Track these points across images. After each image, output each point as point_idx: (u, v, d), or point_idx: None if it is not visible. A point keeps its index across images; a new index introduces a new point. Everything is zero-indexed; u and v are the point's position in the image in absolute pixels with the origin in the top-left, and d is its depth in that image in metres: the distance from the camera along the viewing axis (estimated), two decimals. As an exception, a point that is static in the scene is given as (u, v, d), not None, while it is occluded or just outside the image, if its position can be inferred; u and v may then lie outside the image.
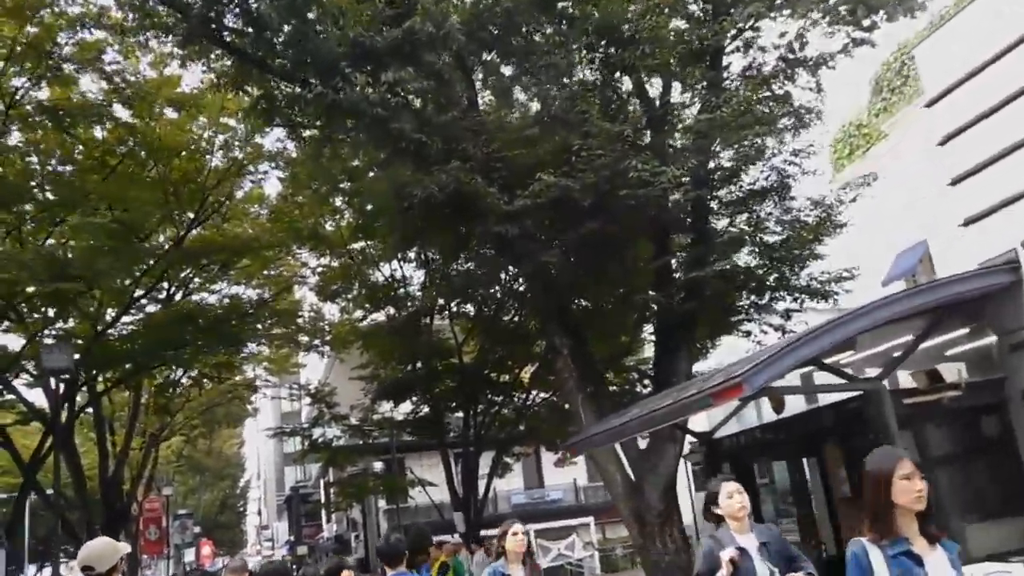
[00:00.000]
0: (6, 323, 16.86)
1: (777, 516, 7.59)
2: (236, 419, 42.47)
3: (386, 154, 10.82)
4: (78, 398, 20.47)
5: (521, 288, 14.85)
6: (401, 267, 20.59)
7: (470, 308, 20.11)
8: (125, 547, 4.25)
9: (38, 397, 20.57)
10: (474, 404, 19.96)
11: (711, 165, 10.71)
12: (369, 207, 18.66)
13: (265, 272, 20.26)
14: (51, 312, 16.76)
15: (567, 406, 12.41)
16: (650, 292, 11.27)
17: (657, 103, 11.24)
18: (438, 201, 10.02)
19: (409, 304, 19.74)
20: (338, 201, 20.02)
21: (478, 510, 19.82)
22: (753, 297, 11.61)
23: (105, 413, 24.89)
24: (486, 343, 19.21)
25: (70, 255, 15.73)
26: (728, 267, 10.35)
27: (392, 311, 20.36)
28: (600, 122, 9.97)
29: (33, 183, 15.44)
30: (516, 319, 18.95)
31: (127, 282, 17.26)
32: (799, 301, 11.72)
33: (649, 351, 18.55)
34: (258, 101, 12.10)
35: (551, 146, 10.70)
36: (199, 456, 48.37)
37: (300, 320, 22.09)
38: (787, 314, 11.80)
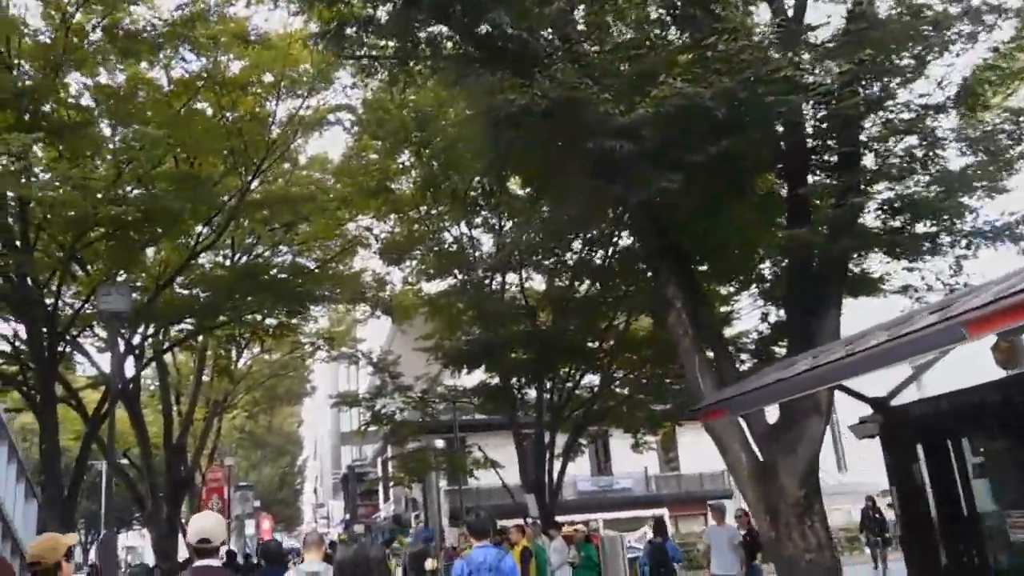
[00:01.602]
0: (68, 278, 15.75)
1: (1003, 508, 5.71)
2: (295, 396, 42.50)
3: (480, 56, 9.08)
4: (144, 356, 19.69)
5: (621, 234, 13.06)
6: (471, 230, 19.06)
7: (539, 279, 18.48)
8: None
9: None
10: (551, 376, 18.21)
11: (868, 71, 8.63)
12: (438, 161, 17.19)
13: (328, 241, 19.04)
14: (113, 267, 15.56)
15: (681, 368, 10.62)
16: (787, 230, 9.30)
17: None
18: (539, 111, 8.27)
19: (480, 270, 18.10)
20: (405, 158, 18.59)
21: (552, 493, 18.10)
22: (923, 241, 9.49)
23: (171, 382, 24.43)
24: (558, 316, 17.43)
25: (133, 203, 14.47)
26: (896, 194, 8.33)
27: (460, 276, 18.79)
28: (738, 14, 8.07)
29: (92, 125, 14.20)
30: (593, 289, 17.19)
31: (189, 236, 16.08)
32: (974, 247, 9.61)
33: (745, 324, 16.65)
34: (329, 24, 10.71)
35: (675, 49, 8.83)
36: (260, 431, 48.49)
37: (363, 286, 20.88)
38: (958, 263, 9.70)
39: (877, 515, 20.23)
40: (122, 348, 16.80)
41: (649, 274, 14.77)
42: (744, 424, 9.58)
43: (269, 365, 30.67)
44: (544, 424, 18.51)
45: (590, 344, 18.04)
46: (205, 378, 26.30)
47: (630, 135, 8.34)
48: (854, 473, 32.46)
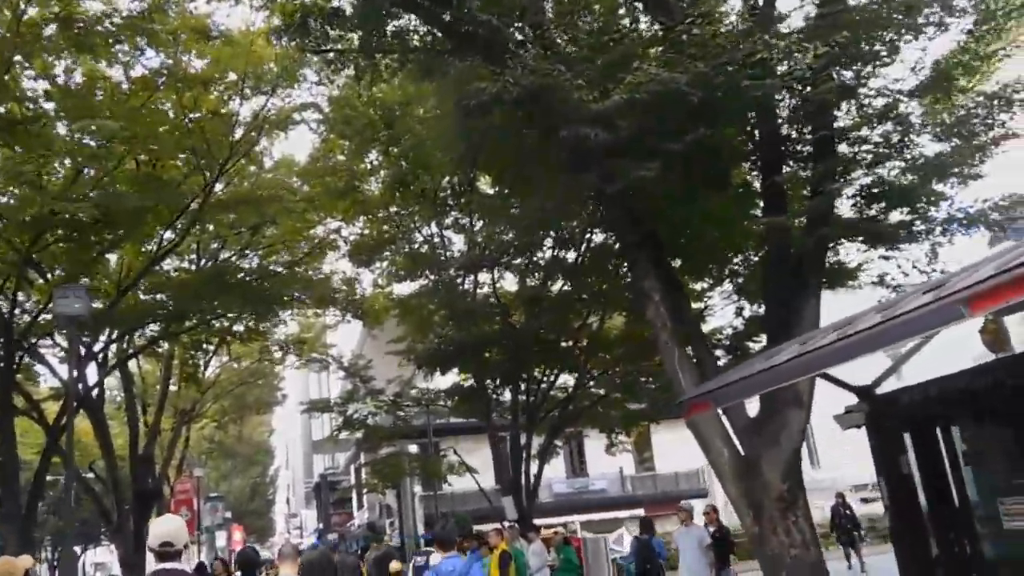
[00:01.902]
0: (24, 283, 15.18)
1: (994, 495, 5.50)
2: (265, 405, 41.97)
3: (449, 46, 8.83)
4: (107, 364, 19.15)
5: (594, 232, 12.84)
6: (441, 231, 18.77)
7: (511, 279, 18.24)
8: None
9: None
10: (525, 376, 17.96)
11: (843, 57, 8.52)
12: (406, 160, 16.88)
13: (296, 243, 18.60)
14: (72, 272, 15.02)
15: (660, 362, 10.42)
16: (763, 217, 9.16)
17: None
18: (511, 99, 8.04)
19: (452, 270, 17.82)
20: (373, 157, 18.26)
21: (529, 495, 17.83)
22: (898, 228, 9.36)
23: (137, 391, 23.83)
24: (531, 315, 17.16)
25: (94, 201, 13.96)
26: (871, 181, 8.21)
27: (432, 277, 18.48)
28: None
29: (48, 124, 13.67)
30: (564, 288, 16.98)
31: (152, 239, 15.61)
32: (950, 234, 9.53)
33: (718, 320, 16.53)
34: (292, 17, 10.45)
35: (647, 38, 8.65)
36: (230, 442, 47.89)
37: (333, 288, 20.52)
38: (933, 251, 9.60)
39: (848, 512, 20.16)
40: (83, 354, 16.30)
41: (623, 270, 14.65)
42: (725, 419, 9.41)
43: (238, 374, 30.12)
44: (520, 426, 18.25)
45: (564, 343, 17.82)
46: (172, 387, 25.82)
47: (605, 123, 8.14)
48: (827, 469, 32.63)
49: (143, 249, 16.30)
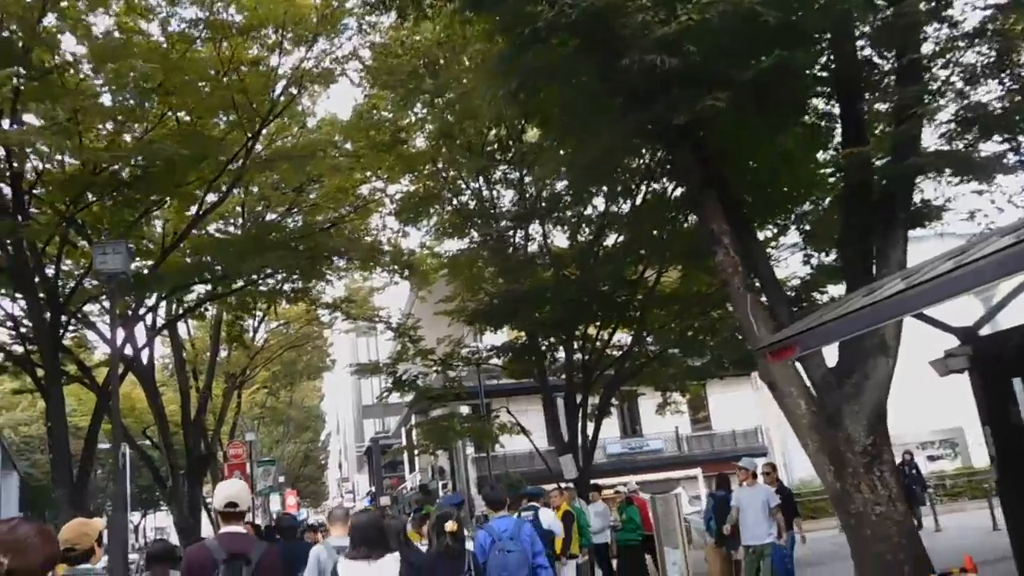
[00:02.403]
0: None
1: None
2: (315, 370, 42.35)
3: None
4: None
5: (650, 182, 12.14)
6: (489, 186, 18.15)
7: (562, 238, 17.59)
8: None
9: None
10: (581, 333, 17.38)
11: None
12: (452, 112, 16.25)
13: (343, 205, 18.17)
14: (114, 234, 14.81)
15: (719, 317, 9.81)
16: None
17: None
18: (568, 23, 7.38)
19: (503, 222, 17.19)
20: (418, 109, 17.66)
21: (587, 456, 17.35)
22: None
23: (187, 358, 23.96)
24: (585, 270, 16.49)
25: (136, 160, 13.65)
26: (963, 107, 7.42)
27: (481, 234, 17.94)
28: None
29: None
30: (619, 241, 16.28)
31: (195, 202, 15.29)
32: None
33: (783, 271, 15.73)
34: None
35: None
36: (281, 407, 48.36)
37: (378, 248, 20.17)
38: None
39: (914, 471, 19.26)
40: (129, 316, 16.17)
41: (682, 218, 13.97)
42: (802, 370, 8.79)
43: (287, 338, 30.16)
44: (575, 384, 17.71)
45: (621, 297, 17.04)
46: (223, 353, 25.93)
47: (671, 49, 7.45)
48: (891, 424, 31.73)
49: (187, 213, 16.07)
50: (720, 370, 19.36)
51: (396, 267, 21.01)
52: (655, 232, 14.75)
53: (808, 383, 8.69)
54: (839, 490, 8.31)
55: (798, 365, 8.64)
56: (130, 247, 11.56)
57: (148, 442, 26.28)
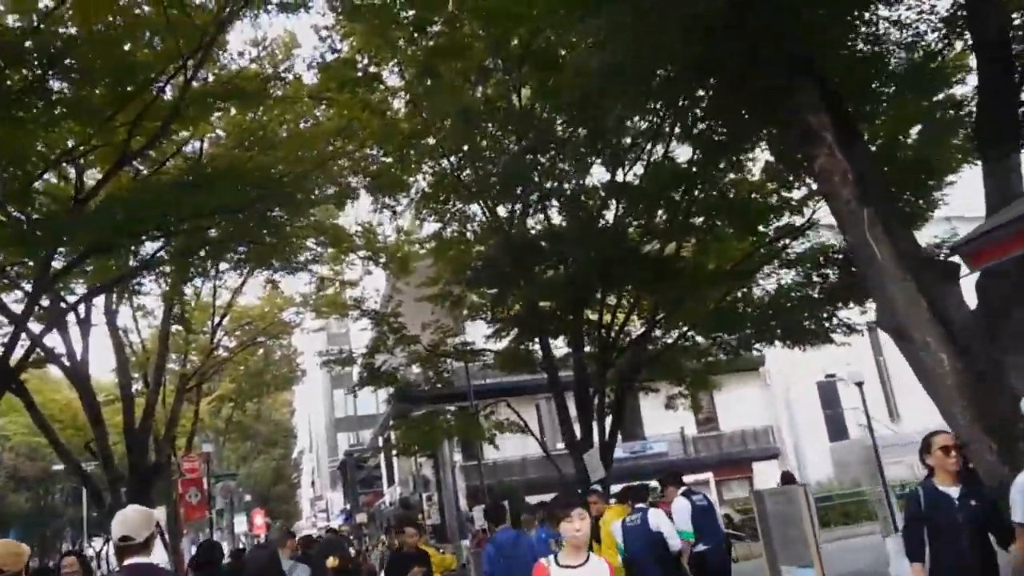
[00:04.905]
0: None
1: None
2: (284, 382, 39.49)
3: None
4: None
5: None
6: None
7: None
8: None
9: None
10: (601, 310, 14.57)
11: None
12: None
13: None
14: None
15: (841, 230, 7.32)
16: None
17: None
18: None
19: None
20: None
21: (608, 454, 14.49)
22: None
23: (138, 361, 21.68)
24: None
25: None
26: None
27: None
28: None
29: None
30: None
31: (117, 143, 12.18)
32: None
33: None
34: None
35: None
36: (248, 420, 45.45)
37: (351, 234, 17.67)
38: None
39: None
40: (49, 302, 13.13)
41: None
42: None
43: (249, 333, 27.17)
44: (590, 375, 14.85)
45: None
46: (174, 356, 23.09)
47: None
48: (909, 421, 29.35)
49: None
50: (747, 347, 16.29)
51: (371, 255, 18.34)
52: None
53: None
54: (1009, 475, 5.78)
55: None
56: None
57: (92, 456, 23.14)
